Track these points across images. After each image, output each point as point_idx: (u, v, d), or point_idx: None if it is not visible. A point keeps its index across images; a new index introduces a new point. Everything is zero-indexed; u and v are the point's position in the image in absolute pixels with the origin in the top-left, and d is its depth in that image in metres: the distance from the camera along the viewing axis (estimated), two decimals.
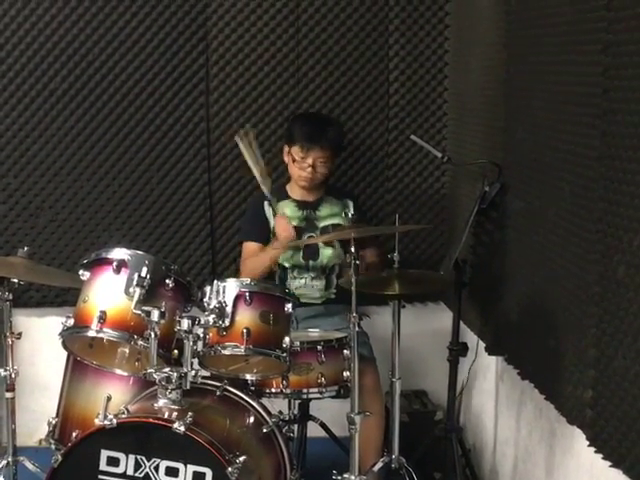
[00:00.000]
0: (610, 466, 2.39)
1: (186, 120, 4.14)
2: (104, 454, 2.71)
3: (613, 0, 2.36)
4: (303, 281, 3.81)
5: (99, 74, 4.06)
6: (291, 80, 4.17)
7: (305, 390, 3.23)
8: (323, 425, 3.72)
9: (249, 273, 3.66)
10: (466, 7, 3.96)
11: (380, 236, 3.99)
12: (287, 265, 3.82)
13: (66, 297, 4.04)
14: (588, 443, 2.53)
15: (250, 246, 3.86)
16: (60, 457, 2.70)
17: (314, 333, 3.48)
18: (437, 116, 4.26)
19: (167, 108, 4.12)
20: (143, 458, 2.69)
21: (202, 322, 2.87)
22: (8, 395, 3.16)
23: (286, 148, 3.85)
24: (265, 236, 3.83)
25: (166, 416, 2.72)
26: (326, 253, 3.82)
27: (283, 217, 3.72)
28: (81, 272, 2.98)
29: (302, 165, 3.77)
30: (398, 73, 4.22)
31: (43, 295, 4.21)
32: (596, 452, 2.47)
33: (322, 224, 3.85)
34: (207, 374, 3.06)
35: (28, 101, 4.05)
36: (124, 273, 2.90)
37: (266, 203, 3.86)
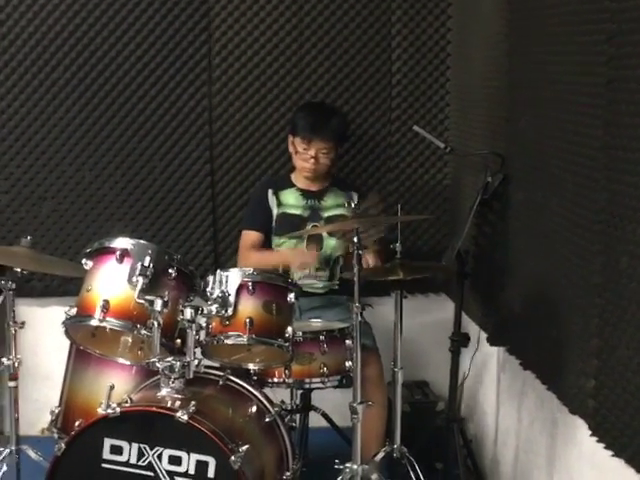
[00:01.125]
0: (612, 456, 2.40)
1: (189, 110, 4.14)
2: (107, 443, 2.71)
3: None
4: (307, 271, 3.81)
5: (101, 64, 4.06)
6: (294, 70, 4.17)
7: (307, 380, 3.24)
8: (325, 415, 3.73)
9: (250, 265, 3.64)
10: None
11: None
12: None
13: (68, 287, 4.03)
14: (590, 433, 2.54)
15: (251, 235, 3.87)
16: (64, 445, 2.70)
17: (316, 323, 3.48)
18: (440, 107, 4.26)
19: (170, 98, 4.12)
20: (146, 447, 2.70)
21: (205, 311, 2.87)
22: (11, 384, 3.16)
23: (290, 138, 3.86)
24: (267, 225, 3.84)
25: (169, 405, 2.72)
26: (330, 244, 3.82)
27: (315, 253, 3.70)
28: (84, 261, 2.96)
29: (304, 156, 3.77)
30: (401, 64, 4.22)
31: (46, 285, 4.21)
32: (598, 442, 2.48)
33: (326, 214, 3.84)
34: (210, 363, 3.07)
35: (30, 91, 4.05)
36: (127, 262, 2.90)
37: (270, 192, 3.86)
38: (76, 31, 4.02)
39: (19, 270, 3.12)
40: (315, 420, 3.74)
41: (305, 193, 3.87)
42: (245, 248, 3.87)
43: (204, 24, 4.08)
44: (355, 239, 2.92)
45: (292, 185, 3.89)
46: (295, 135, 3.80)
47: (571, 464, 2.86)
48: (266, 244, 3.88)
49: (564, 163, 2.74)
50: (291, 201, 3.86)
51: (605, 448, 2.44)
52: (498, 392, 3.70)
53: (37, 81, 4.04)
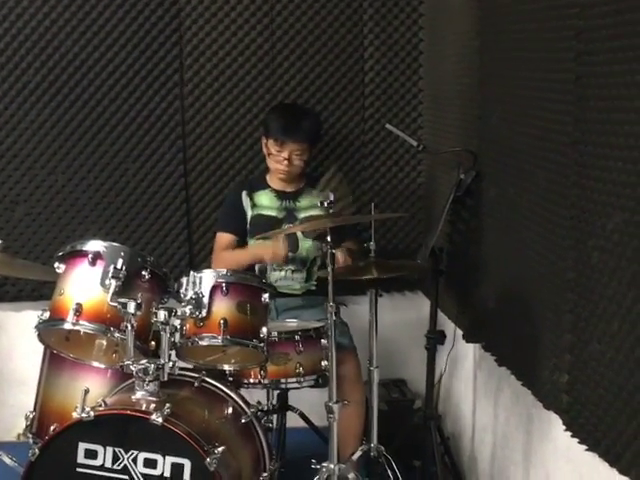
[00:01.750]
0: (586, 450, 2.40)
1: (161, 112, 4.13)
2: (82, 447, 2.70)
3: None
4: (283, 273, 3.81)
5: (72, 66, 4.03)
6: (266, 71, 4.16)
7: (283, 380, 3.23)
8: (302, 415, 3.73)
9: (224, 266, 3.66)
10: None
11: (359, 225, 3.99)
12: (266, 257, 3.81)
13: (42, 291, 4.01)
14: (564, 428, 2.54)
15: (224, 237, 3.86)
16: (37, 451, 2.69)
17: (292, 323, 3.47)
18: (412, 105, 4.26)
19: (142, 100, 4.10)
20: (121, 450, 2.69)
21: (179, 313, 2.86)
22: None
23: (263, 140, 3.85)
24: (241, 228, 3.83)
25: (144, 408, 2.71)
26: (306, 245, 3.80)
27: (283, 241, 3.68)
28: (56, 265, 2.95)
29: (278, 158, 3.76)
30: (373, 62, 4.22)
31: (19, 289, 4.18)
32: (572, 436, 2.49)
33: (302, 215, 3.82)
34: (185, 365, 3.06)
35: (0, 94, 4.02)
36: (100, 265, 2.89)
37: (244, 193, 3.85)
38: (46, 34, 3.99)
39: None
40: (293, 420, 3.74)
41: (280, 194, 3.86)
42: (219, 250, 3.86)
43: (175, 25, 4.06)
44: (328, 238, 2.92)
45: (267, 186, 3.88)
46: (268, 137, 3.80)
47: (547, 459, 2.87)
48: (241, 245, 3.87)
49: (535, 159, 2.75)
50: (266, 202, 3.85)
51: (579, 443, 2.45)
52: (475, 389, 3.71)
53: (7, 84, 4.01)
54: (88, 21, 4.00)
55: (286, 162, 3.75)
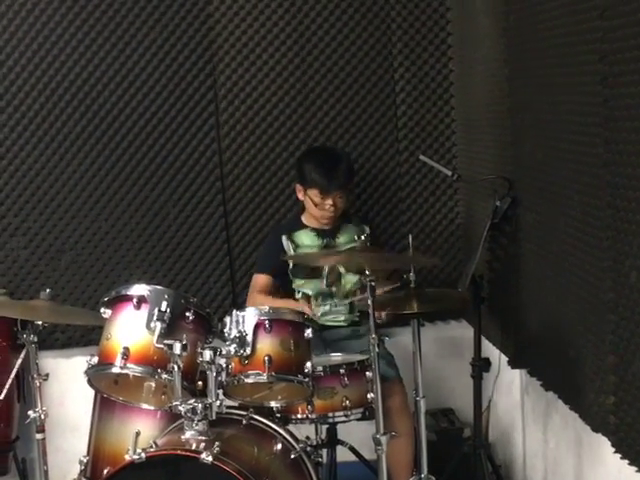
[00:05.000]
0: (637, 471, 2.39)
1: (199, 155, 4.20)
2: None
3: (607, 10, 2.40)
4: (328, 307, 3.83)
5: (111, 116, 4.13)
6: (299, 109, 4.22)
7: (331, 414, 3.24)
8: (352, 449, 3.73)
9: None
10: (467, 27, 4.00)
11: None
12: (311, 293, 3.85)
13: (91, 336, 4.08)
14: (614, 450, 2.53)
15: (260, 278, 3.90)
16: None
17: (336, 357, 3.49)
18: (446, 135, 4.29)
19: (179, 144, 4.18)
20: None
21: (224, 352, 2.90)
22: (39, 436, 3.17)
23: (299, 187, 3.87)
24: (279, 269, 3.85)
25: (194, 447, 2.74)
26: (348, 279, 3.83)
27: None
28: (102, 310, 3.01)
29: (323, 207, 3.79)
30: (405, 95, 4.26)
31: (68, 336, 4.25)
32: (622, 458, 2.48)
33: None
34: (232, 403, 3.09)
35: (43, 147, 4.12)
36: (144, 308, 2.94)
37: (283, 237, 3.88)
38: (84, 86, 4.10)
39: (40, 323, 3.15)
40: (344, 454, 3.74)
41: (319, 232, 3.88)
42: (254, 290, 3.90)
43: (208, 70, 4.15)
44: (367, 271, 2.95)
45: (305, 226, 3.90)
46: (308, 187, 3.80)
47: None
48: (281, 288, 3.89)
49: (569, 182, 2.77)
50: (307, 242, 3.87)
51: (629, 464, 2.44)
52: (523, 415, 3.69)
53: (49, 137, 4.12)
54: (124, 71, 4.10)
55: (332, 208, 3.78)
